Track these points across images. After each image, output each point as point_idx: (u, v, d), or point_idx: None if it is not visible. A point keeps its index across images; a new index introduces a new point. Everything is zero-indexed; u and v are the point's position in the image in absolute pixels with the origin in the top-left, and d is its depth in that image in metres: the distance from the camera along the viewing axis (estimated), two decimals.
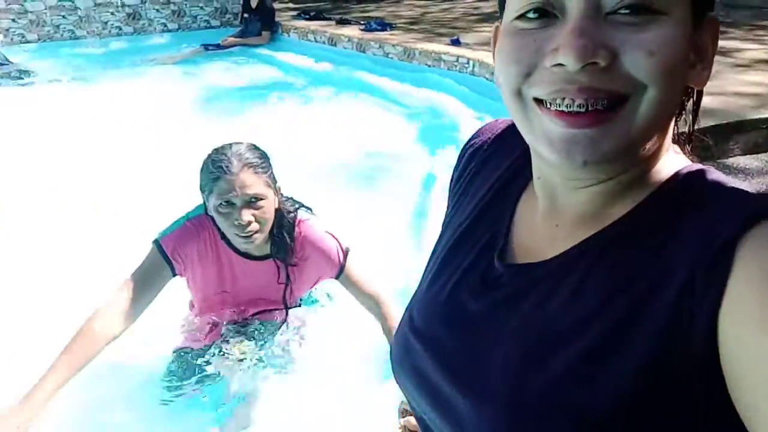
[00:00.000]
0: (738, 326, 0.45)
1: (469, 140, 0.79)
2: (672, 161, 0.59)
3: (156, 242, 1.77)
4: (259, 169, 1.71)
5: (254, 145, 1.79)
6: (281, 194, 1.82)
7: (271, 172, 1.77)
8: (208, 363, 1.91)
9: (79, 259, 2.55)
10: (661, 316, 0.49)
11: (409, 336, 0.69)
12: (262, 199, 1.70)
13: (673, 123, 0.59)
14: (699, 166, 0.58)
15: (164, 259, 1.76)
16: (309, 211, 1.92)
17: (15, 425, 1.42)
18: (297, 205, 1.89)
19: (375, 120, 4.51)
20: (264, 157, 1.76)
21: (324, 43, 6.37)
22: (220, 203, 1.67)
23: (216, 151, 1.73)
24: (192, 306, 2.02)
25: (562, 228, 0.61)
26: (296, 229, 1.84)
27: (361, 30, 6.24)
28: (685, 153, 0.62)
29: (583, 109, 0.51)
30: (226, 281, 1.89)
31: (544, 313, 0.56)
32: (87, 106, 4.97)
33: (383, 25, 6.27)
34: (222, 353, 1.92)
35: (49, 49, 6.92)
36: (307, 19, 7.21)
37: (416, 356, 0.67)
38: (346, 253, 1.88)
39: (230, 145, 1.74)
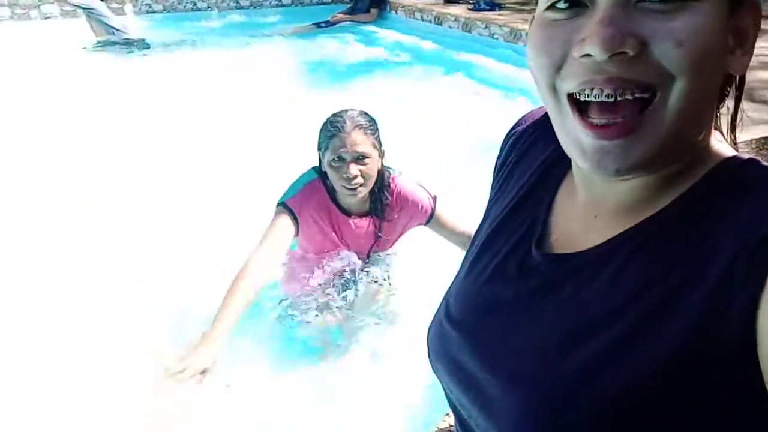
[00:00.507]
0: None
1: (512, 128, 0.78)
2: (715, 151, 0.57)
3: (283, 204, 2.03)
4: (368, 131, 1.99)
5: (365, 112, 2.06)
6: (383, 156, 2.08)
7: (378, 136, 2.04)
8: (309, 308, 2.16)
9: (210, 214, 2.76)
10: (694, 307, 0.48)
11: (444, 324, 0.69)
12: (368, 157, 1.97)
13: (714, 112, 0.57)
14: (744, 156, 0.57)
15: (293, 218, 2.01)
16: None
17: (200, 364, 1.64)
18: (388, 168, 2.14)
19: (476, 101, 4.53)
20: (373, 122, 2.04)
21: (430, 21, 6.41)
22: (334, 158, 1.96)
23: (333, 114, 2.02)
24: (297, 256, 2.25)
25: (600, 219, 0.60)
26: (391, 185, 2.11)
27: (469, 9, 6.22)
28: (728, 141, 0.61)
29: (611, 99, 0.51)
30: (331, 238, 2.14)
31: (580, 301, 0.56)
32: (199, 76, 5.25)
33: (492, 5, 6.20)
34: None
35: (171, 19, 7.39)
36: None
37: (452, 344, 0.67)
38: (434, 200, 2.16)
39: (345, 110, 2.02)
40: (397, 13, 7.07)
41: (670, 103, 0.50)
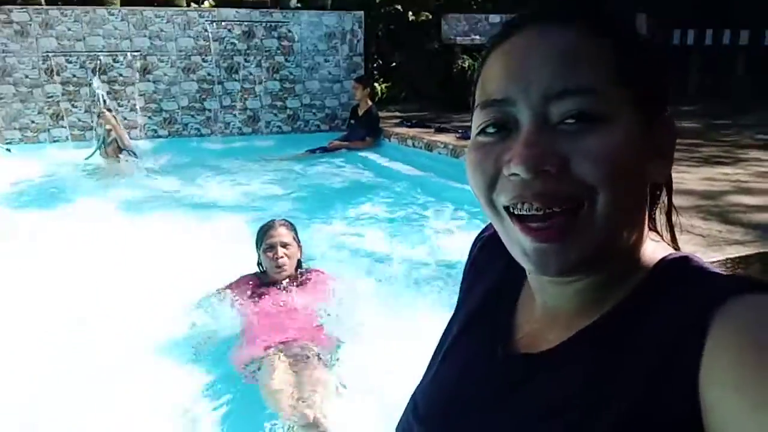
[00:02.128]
0: (714, 392, 0.47)
1: (480, 233, 0.83)
2: (652, 250, 0.62)
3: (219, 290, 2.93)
4: (290, 229, 2.93)
5: (288, 220, 3.01)
6: (302, 250, 2.98)
7: (297, 234, 2.96)
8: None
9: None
10: (637, 392, 0.51)
11: (412, 423, 0.71)
12: (290, 245, 2.87)
13: (644, 215, 0.61)
14: (678, 253, 0.62)
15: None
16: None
17: None
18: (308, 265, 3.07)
19: (459, 224, 4.65)
20: (292, 225, 2.98)
21: (421, 148, 6.70)
22: (266, 247, 2.85)
23: (265, 222, 2.97)
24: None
25: (558, 321, 0.64)
26: (311, 270, 3.00)
27: (457, 137, 6.52)
28: (664, 240, 0.66)
29: (541, 212, 0.55)
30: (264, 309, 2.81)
31: (540, 396, 0.59)
32: (201, 194, 5.59)
33: None
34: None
35: (176, 143, 7.72)
36: (408, 127, 7.63)
37: None
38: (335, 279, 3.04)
39: (273, 219, 2.99)
40: (390, 140, 7.40)
41: (597, 211, 0.55)
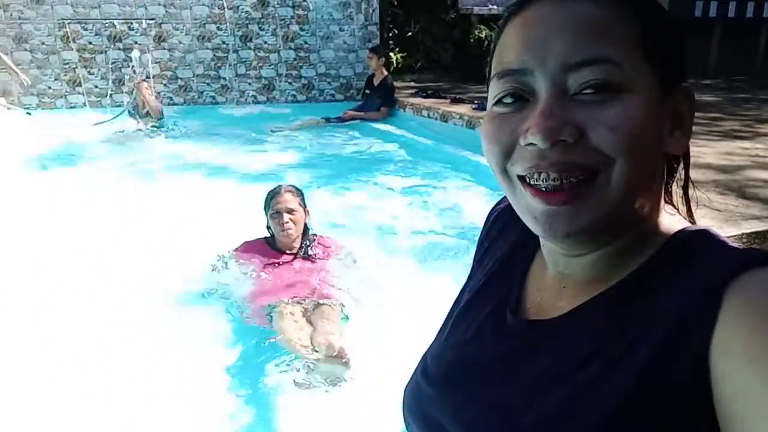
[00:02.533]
0: (726, 362, 0.47)
1: (495, 205, 0.85)
2: (667, 223, 0.62)
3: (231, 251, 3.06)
4: (296, 194, 3.03)
5: (294, 186, 3.11)
6: (309, 214, 3.08)
7: (303, 200, 3.05)
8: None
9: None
10: (644, 360, 0.52)
11: (421, 382, 0.73)
12: (296, 211, 2.97)
13: (660, 187, 0.62)
14: (694, 227, 0.62)
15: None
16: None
17: None
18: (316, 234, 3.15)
19: (473, 196, 4.65)
20: (299, 190, 3.08)
21: (436, 119, 6.67)
22: (273, 212, 2.98)
23: (271, 189, 3.06)
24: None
25: (568, 289, 0.64)
26: (317, 238, 3.11)
27: (473, 108, 6.48)
28: (680, 213, 0.66)
29: (558, 182, 0.55)
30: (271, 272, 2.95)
31: (547, 362, 0.60)
32: (216, 160, 5.66)
33: None
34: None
35: (191, 111, 7.75)
36: (423, 97, 7.58)
37: (426, 400, 0.70)
38: (342, 247, 3.16)
39: (280, 184, 3.09)
40: (405, 111, 7.36)
41: (612, 180, 0.55)
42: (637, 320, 0.55)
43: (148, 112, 6.52)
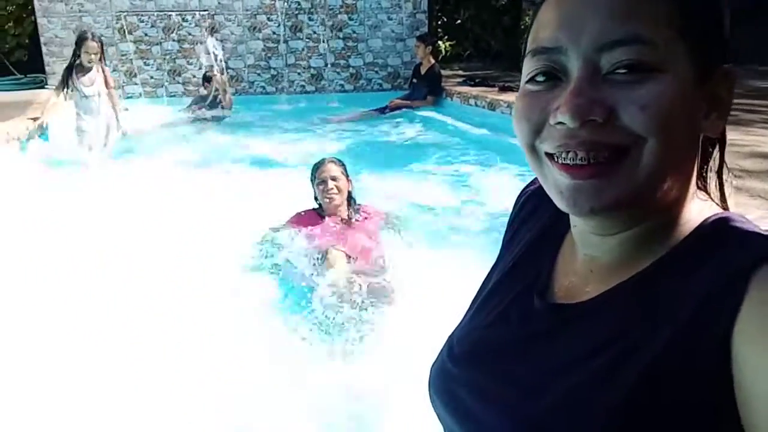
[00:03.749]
0: (748, 347, 0.48)
1: (525, 187, 0.84)
2: (699, 209, 0.61)
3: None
4: (339, 164, 3.33)
5: (336, 157, 3.44)
6: (351, 183, 3.36)
7: (345, 170, 3.34)
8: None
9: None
10: (667, 340, 0.52)
11: (446, 362, 0.73)
12: (339, 178, 3.27)
13: (692, 171, 0.61)
14: (726, 213, 0.61)
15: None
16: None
17: None
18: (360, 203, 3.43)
19: (520, 184, 4.62)
20: (342, 163, 3.38)
21: (484, 107, 6.62)
22: (318, 181, 3.28)
23: (317, 161, 3.39)
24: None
25: (596, 273, 0.64)
26: (361, 206, 3.41)
27: None
28: (713, 199, 0.65)
29: (585, 162, 0.55)
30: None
31: (572, 343, 0.61)
32: (265, 151, 5.78)
33: None
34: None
35: (242, 101, 7.91)
36: (471, 86, 7.54)
37: (451, 380, 0.71)
38: (386, 214, 3.51)
39: (324, 158, 3.41)
40: (452, 99, 7.34)
41: (642, 160, 0.54)
42: (661, 305, 0.55)
43: (220, 102, 6.72)
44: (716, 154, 0.65)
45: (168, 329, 2.54)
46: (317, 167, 3.33)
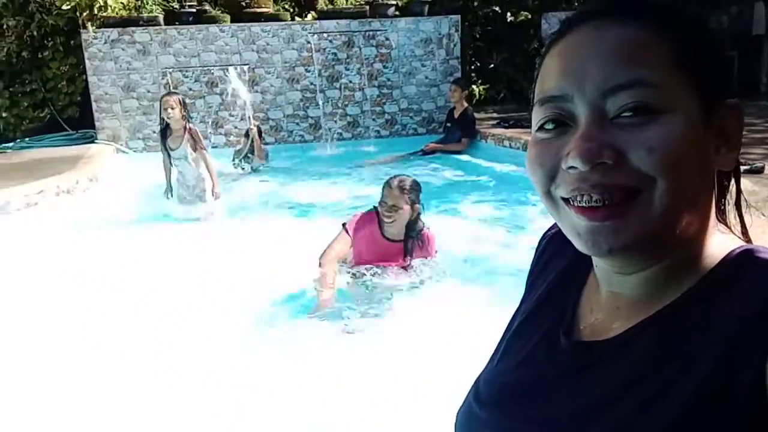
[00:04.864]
0: None
1: (548, 230, 0.85)
2: (720, 243, 0.61)
3: (343, 226, 3.50)
4: (405, 191, 3.32)
5: (412, 180, 3.44)
6: (418, 212, 3.41)
7: (415, 197, 3.36)
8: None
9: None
10: (698, 382, 0.52)
11: (473, 405, 0.73)
12: (399, 208, 3.31)
13: (709, 206, 0.61)
14: (749, 246, 0.61)
15: (347, 232, 3.47)
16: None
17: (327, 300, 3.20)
18: (425, 224, 3.50)
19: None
20: (413, 188, 3.37)
21: (518, 148, 6.65)
22: (382, 201, 3.37)
23: (393, 176, 3.45)
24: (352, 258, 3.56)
25: (622, 310, 0.64)
26: (423, 233, 3.45)
27: None
28: (734, 232, 0.65)
29: (600, 204, 0.56)
30: (372, 250, 3.47)
31: (601, 382, 0.60)
32: (305, 196, 5.92)
33: None
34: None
35: (282, 149, 8.11)
36: (505, 127, 7.59)
37: (478, 424, 0.71)
38: (436, 252, 3.53)
39: (398, 175, 3.46)
40: (487, 141, 7.40)
41: (655, 200, 0.55)
42: (687, 344, 0.55)
43: (255, 153, 6.95)
44: (733, 187, 0.66)
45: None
46: (384, 186, 3.41)
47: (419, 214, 3.42)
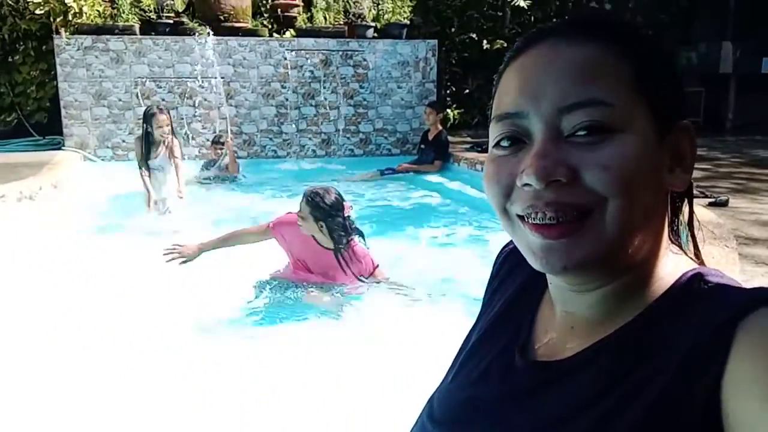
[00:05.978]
0: (738, 399, 0.48)
1: (504, 247, 0.85)
2: (674, 263, 0.62)
3: (269, 223, 3.58)
4: (311, 207, 3.34)
5: (315, 200, 3.37)
6: (324, 226, 3.36)
7: (320, 215, 3.33)
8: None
9: None
10: (653, 400, 0.52)
11: (426, 424, 0.73)
12: (302, 217, 3.35)
13: (662, 226, 0.62)
14: (702, 268, 0.62)
15: (268, 225, 3.61)
16: (362, 238, 3.57)
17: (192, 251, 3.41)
18: (357, 232, 3.52)
19: None
20: (320, 206, 3.34)
21: None
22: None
23: (313, 189, 3.47)
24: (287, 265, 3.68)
25: (576, 330, 0.64)
26: (351, 245, 3.44)
27: None
28: (686, 253, 0.66)
29: (554, 221, 0.56)
30: (306, 250, 3.52)
31: (556, 402, 0.60)
32: (274, 209, 5.82)
33: None
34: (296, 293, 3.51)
35: (254, 164, 8.04)
36: (478, 151, 7.65)
37: None
38: (375, 267, 3.54)
39: (318, 187, 3.49)
40: (459, 164, 7.44)
41: (607, 219, 0.56)
42: (646, 362, 0.55)
43: (227, 167, 6.91)
44: (686, 208, 0.66)
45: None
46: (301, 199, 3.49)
47: (330, 230, 3.40)
